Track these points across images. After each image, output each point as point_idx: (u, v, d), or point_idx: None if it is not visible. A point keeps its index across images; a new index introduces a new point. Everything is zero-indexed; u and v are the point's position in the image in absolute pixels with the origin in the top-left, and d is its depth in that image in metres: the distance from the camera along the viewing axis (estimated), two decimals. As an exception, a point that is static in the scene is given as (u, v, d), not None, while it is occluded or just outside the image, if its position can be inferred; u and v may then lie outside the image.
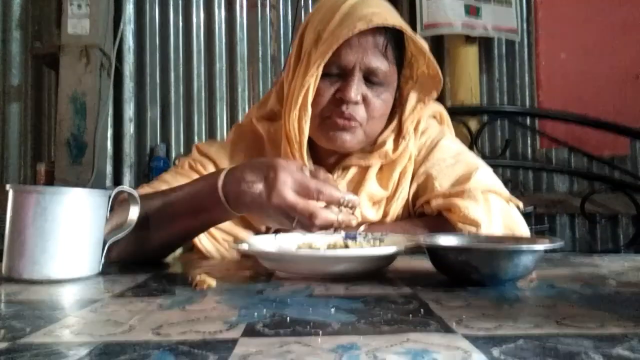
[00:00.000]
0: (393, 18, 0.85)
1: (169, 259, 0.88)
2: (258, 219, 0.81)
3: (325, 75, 0.85)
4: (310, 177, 0.68)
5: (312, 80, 0.84)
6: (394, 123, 0.94)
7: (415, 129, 0.96)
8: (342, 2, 0.86)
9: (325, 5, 0.89)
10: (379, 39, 0.85)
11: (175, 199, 0.79)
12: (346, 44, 0.83)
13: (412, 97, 0.95)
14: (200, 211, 0.76)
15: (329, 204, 0.67)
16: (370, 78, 0.86)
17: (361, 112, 0.87)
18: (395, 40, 0.87)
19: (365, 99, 0.86)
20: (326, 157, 0.95)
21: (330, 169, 0.93)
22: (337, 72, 0.86)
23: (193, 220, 0.78)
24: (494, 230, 0.83)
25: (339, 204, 0.67)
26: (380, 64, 0.85)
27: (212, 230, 0.89)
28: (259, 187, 0.68)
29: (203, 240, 0.89)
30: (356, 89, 0.84)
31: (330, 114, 0.87)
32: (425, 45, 0.89)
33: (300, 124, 0.86)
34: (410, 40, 0.89)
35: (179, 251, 0.90)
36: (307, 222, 0.66)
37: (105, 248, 0.70)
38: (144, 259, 0.81)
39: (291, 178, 0.67)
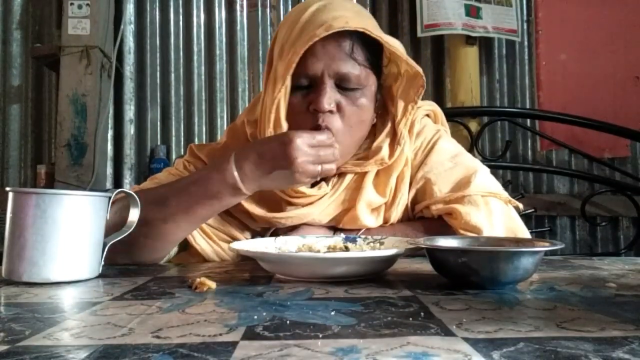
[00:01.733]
0: (356, 20, 0.81)
1: (164, 260, 0.88)
2: (275, 184, 0.83)
3: (297, 88, 0.83)
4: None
5: (281, 95, 0.81)
6: (388, 127, 0.92)
7: (410, 131, 0.94)
8: (304, 11, 0.83)
9: (290, 16, 0.87)
10: (343, 43, 0.82)
11: (178, 186, 0.84)
12: (310, 52, 0.80)
13: (401, 100, 0.91)
14: (210, 195, 0.80)
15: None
16: (342, 84, 0.83)
17: (336, 123, 0.84)
18: (364, 41, 0.84)
19: (339, 108, 0.84)
20: None
21: (325, 177, 0.92)
22: (307, 84, 0.84)
23: (200, 205, 0.81)
24: (496, 235, 0.83)
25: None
26: (351, 67, 0.82)
27: (208, 230, 0.89)
28: (276, 151, 0.77)
29: (198, 240, 0.88)
30: (328, 97, 0.81)
31: (308, 128, 0.83)
32: (397, 46, 0.85)
33: None
34: (382, 42, 0.85)
35: (173, 252, 0.90)
36: (331, 157, 0.78)
37: (105, 250, 0.70)
38: (143, 257, 0.82)
39: (304, 136, 0.77)
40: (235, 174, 0.78)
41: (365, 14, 0.89)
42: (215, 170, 0.80)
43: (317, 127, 0.82)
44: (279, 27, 0.90)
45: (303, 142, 0.76)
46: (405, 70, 0.90)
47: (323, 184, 0.91)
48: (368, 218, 0.90)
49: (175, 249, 0.90)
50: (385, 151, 0.90)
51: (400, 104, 0.91)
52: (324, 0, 0.85)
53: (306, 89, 0.84)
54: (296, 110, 0.84)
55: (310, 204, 0.89)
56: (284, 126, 0.83)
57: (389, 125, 0.92)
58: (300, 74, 0.82)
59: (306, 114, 0.84)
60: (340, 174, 0.91)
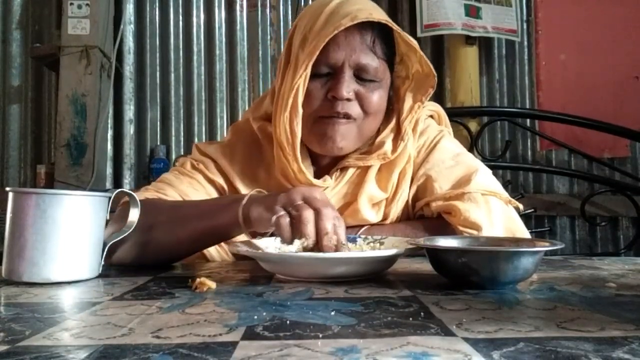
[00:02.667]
0: (379, 14, 0.85)
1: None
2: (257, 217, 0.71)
3: (315, 76, 0.85)
4: None
5: (301, 81, 0.83)
6: (392, 123, 0.94)
7: (414, 129, 0.95)
8: (327, 3, 0.87)
9: (312, 8, 0.90)
10: (365, 35, 0.85)
11: (188, 204, 0.84)
12: (333, 42, 0.83)
13: (409, 97, 0.94)
14: (209, 216, 0.77)
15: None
16: (361, 75, 0.86)
17: (356, 109, 0.87)
18: (383, 37, 0.87)
19: (358, 96, 0.87)
20: (323, 158, 0.95)
21: (328, 170, 0.94)
22: (327, 72, 0.86)
23: (200, 225, 0.78)
24: (494, 233, 0.83)
25: (340, 242, 0.65)
26: (370, 60, 0.85)
27: None
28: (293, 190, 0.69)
29: None
30: (347, 86, 0.84)
31: (325, 115, 0.86)
32: (414, 42, 0.88)
33: (292, 126, 0.85)
34: (400, 38, 0.89)
35: None
36: (313, 207, 0.64)
37: (105, 250, 0.70)
38: (144, 262, 0.82)
39: (318, 192, 0.68)
40: (240, 213, 0.73)
41: (382, 11, 0.91)
42: (224, 206, 0.78)
43: (335, 114, 0.85)
44: (298, 19, 0.93)
45: (309, 189, 0.69)
46: (416, 70, 0.92)
47: (327, 176, 0.92)
48: (369, 213, 0.91)
49: None
50: (388, 146, 0.92)
51: (407, 103, 0.93)
52: None
53: (325, 77, 0.87)
54: (314, 97, 0.86)
55: None
56: (300, 111, 0.85)
57: (393, 121, 0.94)
58: (321, 62, 0.84)
59: (324, 100, 0.87)
60: (343, 168, 0.93)
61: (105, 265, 0.70)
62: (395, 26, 0.85)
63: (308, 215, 0.63)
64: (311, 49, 0.82)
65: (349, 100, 0.85)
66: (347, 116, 0.86)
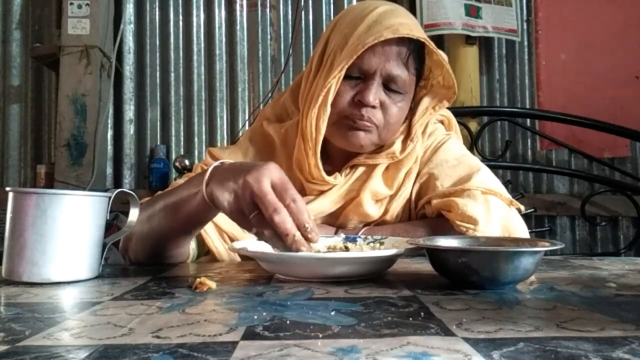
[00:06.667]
0: (419, 31, 0.88)
1: (189, 261, 0.89)
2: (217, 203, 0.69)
3: (346, 77, 0.88)
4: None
5: (334, 81, 0.86)
6: (404, 125, 0.97)
7: (423, 132, 0.99)
8: (370, 10, 0.89)
9: (354, 11, 0.93)
10: (402, 49, 0.88)
11: (166, 194, 0.82)
12: (370, 49, 0.85)
13: (424, 103, 0.98)
14: (183, 202, 0.75)
15: (294, 219, 0.63)
16: (389, 85, 0.89)
17: (379, 116, 0.89)
18: (417, 53, 0.91)
19: (382, 105, 0.89)
20: (336, 156, 0.97)
21: (339, 168, 0.96)
22: (358, 76, 0.88)
23: (177, 213, 0.77)
24: (491, 230, 0.83)
25: (302, 225, 0.63)
26: (401, 72, 0.88)
27: (223, 233, 0.90)
28: (243, 168, 0.66)
29: (216, 243, 0.89)
30: (375, 93, 0.87)
31: (349, 115, 0.89)
32: (445, 58, 0.92)
33: (317, 122, 0.89)
34: (429, 53, 0.93)
35: (193, 254, 0.90)
36: (266, 215, 0.62)
37: (105, 250, 0.70)
38: (154, 257, 0.83)
39: (277, 173, 0.65)
40: (207, 176, 0.71)
41: (420, 26, 0.94)
42: (193, 178, 0.78)
43: (359, 117, 0.88)
44: (338, 19, 0.95)
45: (280, 174, 0.66)
46: (436, 82, 0.97)
47: (337, 174, 0.95)
48: (371, 207, 0.94)
49: (194, 253, 0.90)
50: (397, 146, 0.95)
51: (421, 107, 0.97)
52: (390, 5, 0.92)
53: (355, 80, 0.89)
54: (342, 98, 0.89)
55: (322, 193, 0.94)
56: (328, 110, 0.88)
57: (405, 123, 0.97)
58: (354, 65, 0.87)
59: (351, 103, 0.89)
60: (353, 166, 0.96)
61: (105, 264, 0.71)
62: (432, 45, 0.89)
63: (265, 232, 0.63)
64: (348, 53, 0.85)
65: (374, 107, 0.88)
66: (370, 121, 0.89)
